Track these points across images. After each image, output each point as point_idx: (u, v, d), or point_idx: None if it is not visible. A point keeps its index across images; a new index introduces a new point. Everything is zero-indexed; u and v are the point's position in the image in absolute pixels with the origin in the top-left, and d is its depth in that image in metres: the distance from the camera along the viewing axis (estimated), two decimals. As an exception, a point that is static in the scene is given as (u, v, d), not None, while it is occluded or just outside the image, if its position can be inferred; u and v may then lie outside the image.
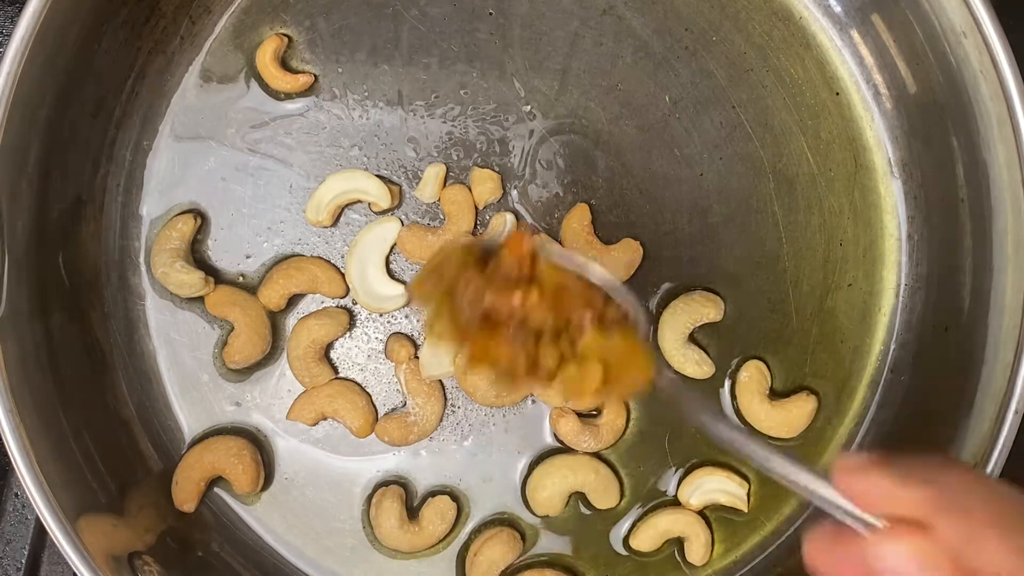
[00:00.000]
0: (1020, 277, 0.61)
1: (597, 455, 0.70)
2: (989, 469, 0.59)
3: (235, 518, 0.71)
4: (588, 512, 0.70)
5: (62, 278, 0.66)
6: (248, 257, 0.71)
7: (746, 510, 0.70)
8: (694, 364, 0.69)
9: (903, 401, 0.70)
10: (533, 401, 0.70)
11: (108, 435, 0.67)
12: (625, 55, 0.71)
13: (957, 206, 0.67)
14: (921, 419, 0.68)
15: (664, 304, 0.70)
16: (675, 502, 0.70)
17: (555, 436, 0.70)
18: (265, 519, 0.70)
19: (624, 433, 0.70)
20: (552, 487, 0.69)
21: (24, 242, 0.62)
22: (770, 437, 0.70)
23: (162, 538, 0.67)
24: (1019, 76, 0.59)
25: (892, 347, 0.71)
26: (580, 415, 0.69)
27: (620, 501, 0.70)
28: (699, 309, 0.69)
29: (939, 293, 0.69)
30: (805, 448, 0.71)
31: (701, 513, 0.70)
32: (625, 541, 0.70)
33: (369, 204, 0.70)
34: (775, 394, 0.70)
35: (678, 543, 0.70)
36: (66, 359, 0.65)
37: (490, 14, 0.71)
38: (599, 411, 0.70)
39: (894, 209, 0.71)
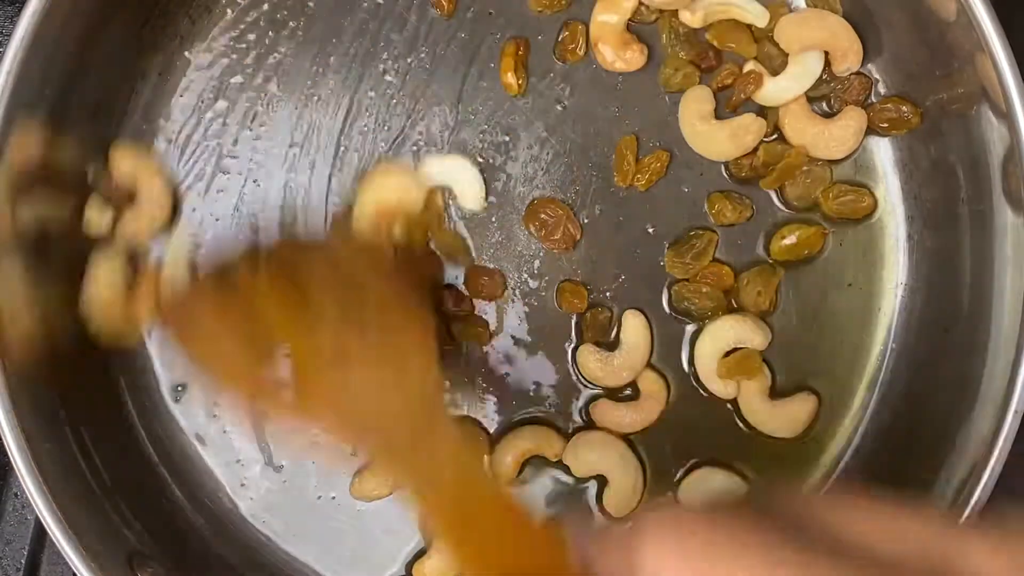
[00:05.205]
0: (1020, 277, 0.61)
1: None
2: (989, 469, 0.59)
3: (236, 518, 0.71)
4: (589, 512, 0.70)
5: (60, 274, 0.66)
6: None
7: (746, 510, 0.70)
8: (720, 383, 0.69)
9: (903, 401, 0.70)
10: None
11: (108, 433, 0.68)
12: (625, 55, 0.71)
13: (957, 206, 0.67)
14: (921, 419, 0.68)
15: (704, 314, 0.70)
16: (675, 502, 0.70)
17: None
18: (269, 521, 0.71)
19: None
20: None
21: (30, 235, 0.62)
22: (770, 437, 0.70)
23: (162, 538, 0.67)
24: (1018, 75, 0.59)
25: (892, 347, 0.71)
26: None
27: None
28: (748, 334, 0.68)
29: (939, 293, 0.69)
30: (805, 448, 0.71)
31: (701, 513, 0.70)
32: (625, 541, 0.70)
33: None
34: (775, 394, 0.70)
35: (678, 543, 0.70)
36: (66, 357, 0.66)
37: (490, 14, 0.71)
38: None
39: (894, 209, 0.71)
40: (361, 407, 0.51)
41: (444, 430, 0.51)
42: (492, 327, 0.70)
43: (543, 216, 0.70)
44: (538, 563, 0.43)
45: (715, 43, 0.69)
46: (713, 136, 0.69)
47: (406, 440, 0.50)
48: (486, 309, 0.70)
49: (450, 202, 0.70)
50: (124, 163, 0.68)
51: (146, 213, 0.68)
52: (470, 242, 0.70)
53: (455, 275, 0.70)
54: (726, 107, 0.70)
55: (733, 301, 0.70)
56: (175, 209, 0.70)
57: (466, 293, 0.70)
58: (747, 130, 0.68)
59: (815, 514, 0.35)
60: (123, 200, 0.68)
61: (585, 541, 0.39)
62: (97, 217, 0.68)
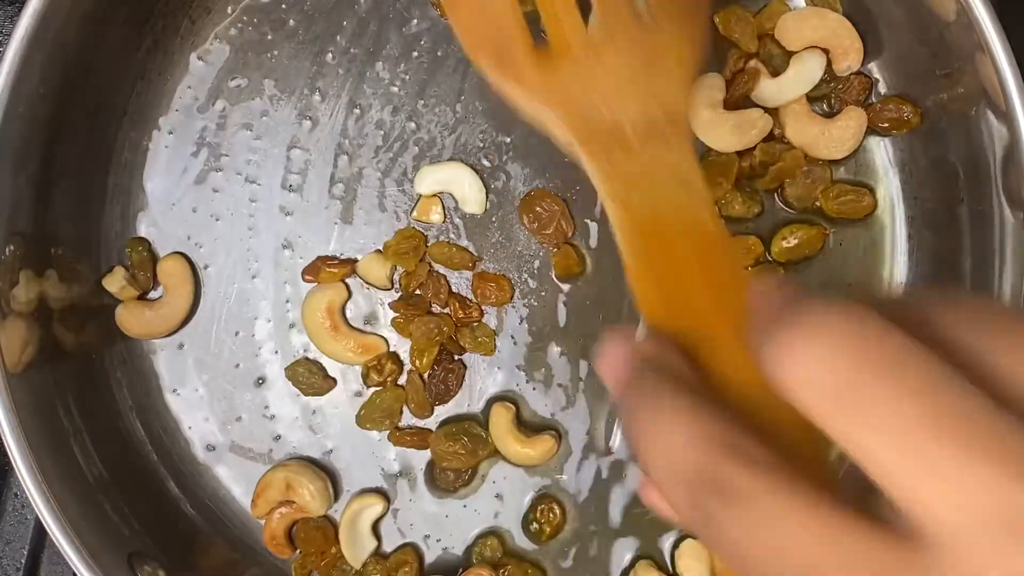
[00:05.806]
0: (1020, 277, 0.61)
1: None
2: (989, 469, 0.59)
3: (236, 518, 0.71)
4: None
5: (60, 275, 0.66)
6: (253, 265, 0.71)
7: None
8: None
9: (903, 401, 0.70)
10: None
11: (108, 433, 0.68)
12: (625, 55, 0.71)
13: (957, 206, 0.67)
14: (921, 419, 0.67)
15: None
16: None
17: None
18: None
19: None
20: None
21: (29, 239, 0.62)
22: (770, 437, 0.70)
23: (162, 538, 0.67)
24: (1018, 74, 0.59)
25: (892, 347, 0.71)
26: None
27: None
28: None
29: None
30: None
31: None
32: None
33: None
34: (775, 394, 0.70)
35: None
36: (66, 357, 0.66)
37: (490, 14, 0.71)
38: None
39: (894, 209, 0.71)
40: (603, 91, 0.47)
41: (678, 141, 0.45)
42: (493, 327, 0.70)
43: (538, 209, 0.70)
44: (715, 304, 0.39)
45: (720, 29, 0.69)
46: (718, 125, 0.68)
47: (635, 138, 0.46)
48: (486, 310, 0.70)
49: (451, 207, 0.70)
50: (168, 266, 0.69)
51: (166, 316, 0.69)
52: (471, 246, 0.71)
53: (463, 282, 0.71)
54: (724, 106, 0.70)
55: (733, 301, 0.70)
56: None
57: (474, 300, 0.70)
58: (753, 124, 0.68)
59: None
60: (145, 286, 0.69)
61: (765, 301, 0.33)
62: (115, 289, 0.68)
